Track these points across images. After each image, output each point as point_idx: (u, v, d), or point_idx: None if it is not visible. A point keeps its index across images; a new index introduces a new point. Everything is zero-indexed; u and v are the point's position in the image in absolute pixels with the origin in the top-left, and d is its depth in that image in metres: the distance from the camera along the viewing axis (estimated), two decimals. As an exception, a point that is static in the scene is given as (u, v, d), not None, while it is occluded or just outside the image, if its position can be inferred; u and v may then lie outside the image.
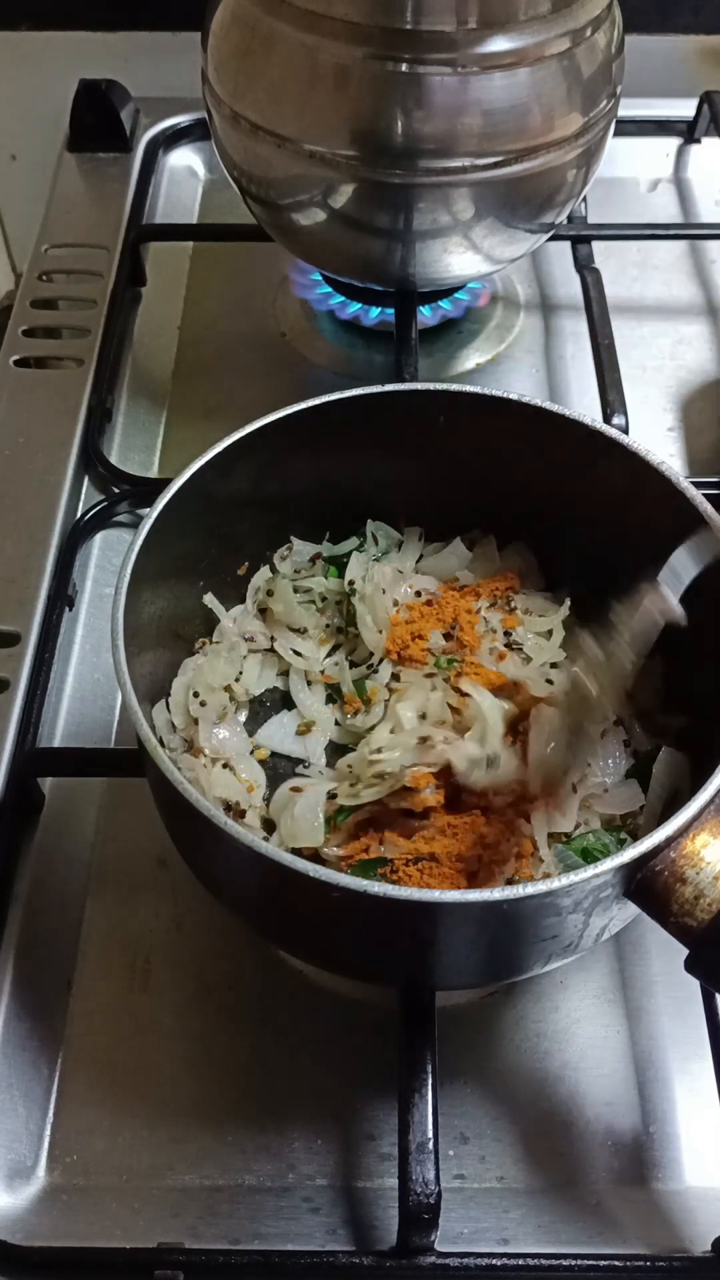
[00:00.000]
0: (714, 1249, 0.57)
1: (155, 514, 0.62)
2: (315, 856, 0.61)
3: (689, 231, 1.07)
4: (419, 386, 0.70)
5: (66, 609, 0.79)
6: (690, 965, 0.53)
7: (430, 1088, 0.56)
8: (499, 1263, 0.56)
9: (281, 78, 0.77)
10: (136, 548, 0.60)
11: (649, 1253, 0.57)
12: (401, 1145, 0.55)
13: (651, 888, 0.51)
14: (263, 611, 0.72)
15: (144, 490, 0.85)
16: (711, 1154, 0.61)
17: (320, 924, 0.56)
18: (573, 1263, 0.56)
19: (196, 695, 0.66)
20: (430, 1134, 0.55)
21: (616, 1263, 0.56)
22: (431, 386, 0.69)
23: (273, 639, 0.71)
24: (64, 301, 0.99)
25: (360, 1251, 0.57)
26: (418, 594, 0.71)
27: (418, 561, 0.74)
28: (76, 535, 0.83)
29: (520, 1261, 0.56)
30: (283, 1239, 0.58)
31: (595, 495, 0.67)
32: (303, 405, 0.67)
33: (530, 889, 0.49)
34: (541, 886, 0.49)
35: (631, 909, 0.53)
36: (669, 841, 0.51)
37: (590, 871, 0.50)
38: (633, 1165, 0.61)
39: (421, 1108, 0.56)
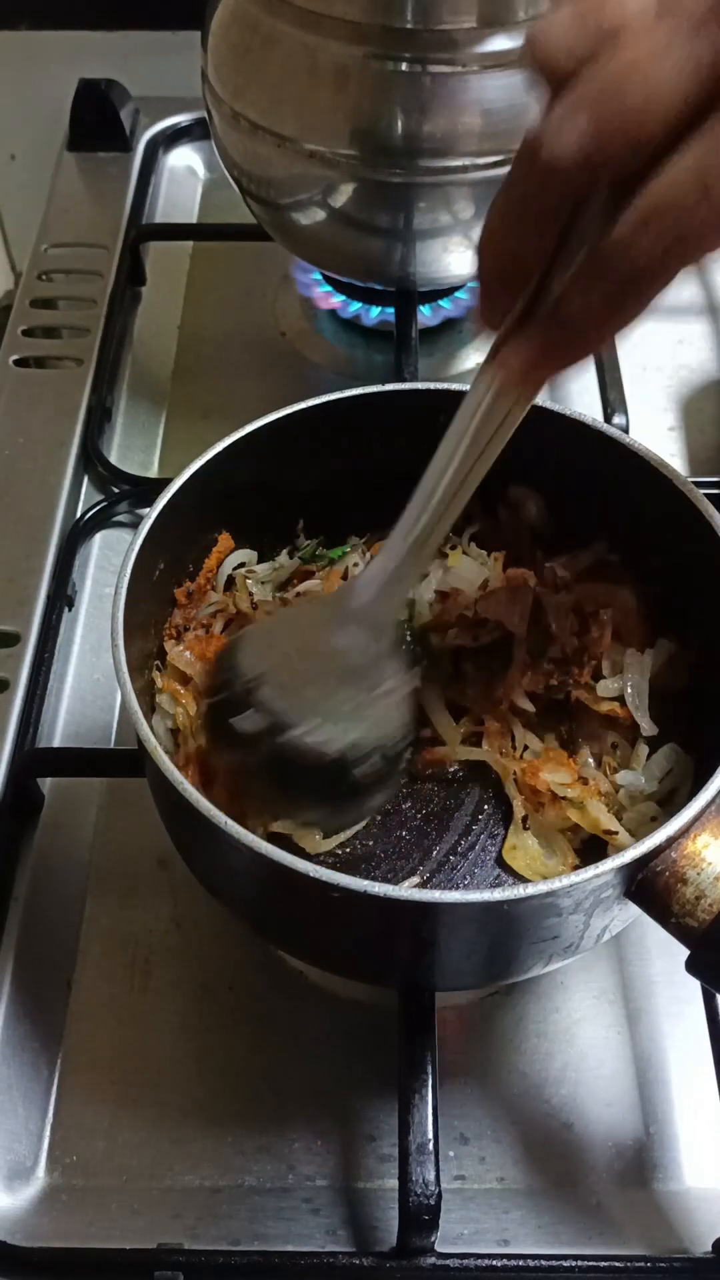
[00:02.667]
0: (714, 1250, 0.57)
1: (155, 513, 0.61)
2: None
3: (689, 231, 1.07)
4: (422, 386, 0.69)
5: (66, 609, 0.79)
6: (691, 966, 0.52)
7: (430, 1088, 0.56)
8: (499, 1264, 0.56)
9: (281, 77, 0.77)
10: (136, 547, 0.60)
11: (649, 1253, 0.57)
12: (401, 1146, 0.55)
13: (652, 888, 0.51)
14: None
15: (144, 490, 0.85)
16: (712, 1155, 0.61)
17: (320, 924, 0.56)
18: (573, 1264, 0.56)
19: None
20: (430, 1135, 0.55)
21: (617, 1264, 0.56)
22: (435, 386, 0.69)
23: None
24: (64, 301, 0.99)
25: (360, 1252, 0.57)
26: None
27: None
28: (76, 535, 0.83)
29: (520, 1262, 0.56)
30: (283, 1240, 0.58)
31: (596, 495, 0.67)
32: (305, 404, 0.66)
33: (530, 889, 0.49)
34: (542, 887, 0.49)
35: (633, 909, 0.53)
36: (670, 842, 0.51)
37: (591, 872, 0.49)
38: (633, 1166, 0.60)
39: (422, 1108, 0.56)
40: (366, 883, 0.49)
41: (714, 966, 0.52)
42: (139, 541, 0.60)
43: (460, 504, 0.53)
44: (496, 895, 0.49)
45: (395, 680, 0.59)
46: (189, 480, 0.63)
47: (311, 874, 0.49)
